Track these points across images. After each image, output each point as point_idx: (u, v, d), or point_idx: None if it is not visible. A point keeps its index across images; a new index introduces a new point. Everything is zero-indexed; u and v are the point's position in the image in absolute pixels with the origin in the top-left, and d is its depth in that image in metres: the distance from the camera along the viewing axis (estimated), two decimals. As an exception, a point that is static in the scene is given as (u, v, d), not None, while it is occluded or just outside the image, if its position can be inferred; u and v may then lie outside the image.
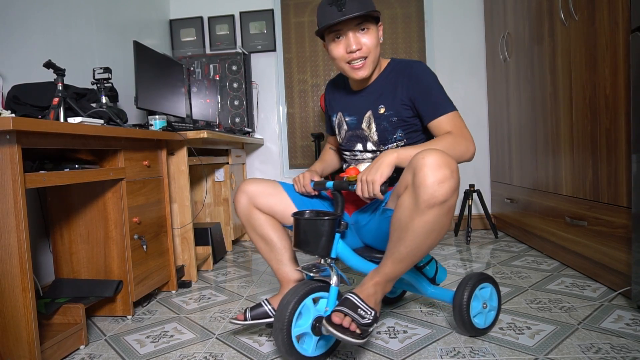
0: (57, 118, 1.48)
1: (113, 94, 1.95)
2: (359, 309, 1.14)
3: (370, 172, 1.17)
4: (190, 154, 2.13)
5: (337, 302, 1.21)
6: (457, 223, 3.02)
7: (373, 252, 1.39)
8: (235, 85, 3.02)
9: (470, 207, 2.83)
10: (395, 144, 1.38)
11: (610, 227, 1.69)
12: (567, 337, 1.34)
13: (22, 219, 1.14)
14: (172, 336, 1.49)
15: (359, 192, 1.19)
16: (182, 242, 2.10)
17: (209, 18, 3.31)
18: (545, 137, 2.26)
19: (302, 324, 1.19)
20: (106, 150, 1.60)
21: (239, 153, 3.06)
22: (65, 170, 1.37)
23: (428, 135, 1.38)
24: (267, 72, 3.31)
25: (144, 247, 1.72)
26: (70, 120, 1.41)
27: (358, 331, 1.10)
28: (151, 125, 1.99)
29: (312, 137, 2.88)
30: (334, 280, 1.21)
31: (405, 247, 1.12)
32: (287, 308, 1.15)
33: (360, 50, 1.30)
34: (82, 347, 1.42)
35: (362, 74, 1.33)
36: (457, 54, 3.17)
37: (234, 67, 3.02)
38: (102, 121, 1.52)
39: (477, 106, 3.19)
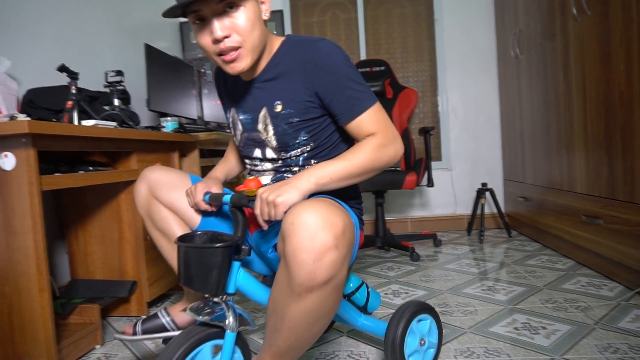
0: (71, 121, 1.50)
1: (125, 97, 1.97)
2: None
3: (275, 191, 0.87)
4: (202, 155, 2.14)
5: (233, 351, 0.93)
6: (470, 222, 3.00)
7: None
8: (245, 86, 3.03)
9: (483, 206, 2.80)
10: (298, 149, 1.07)
11: (627, 225, 1.66)
12: (583, 337, 1.32)
13: (38, 220, 1.16)
14: (185, 336, 1.50)
15: (256, 212, 0.90)
16: (195, 242, 2.11)
17: (219, 20, 3.33)
18: (559, 135, 2.23)
19: None
20: (119, 152, 1.62)
21: (249, 154, 3.07)
22: (80, 172, 1.39)
23: (342, 131, 1.08)
24: (277, 73, 3.31)
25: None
26: (84, 123, 1.43)
27: None
28: (163, 127, 2.00)
29: (323, 137, 2.88)
30: (230, 323, 0.90)
31: (284, 341, 0.88)
32: (176, 347, 0.87)
33: (228, 37, 0.95)
34: (97, 346, 1.44)
35: (237, 67, 0.99)
36: (468, 51, 3.15)
37: (244, 69, 3.03)
38: (115, 124, 1.54)
39: (489, 104, 3.16)
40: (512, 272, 2.04)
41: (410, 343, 1.13)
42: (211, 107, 3.05)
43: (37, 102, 1.57)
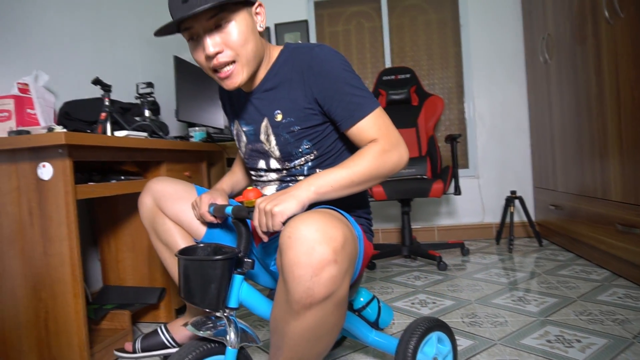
0: (105, 132, 1.55)
1: (155, 108, 2.02)
2: None
3: (273, 201, 0.85)
4: (229, 164, 2.18)
5: None
6: (498, 231, 2.93)
7: None
8: (271, 95, 3.07)
9: (512, 214, 2.74)
10: (302, 158, 1.05)
11: (666, 234, 1.59)
12: (621, 351, 1.27)
13: (73, 228, 1.20)
14: (213, 343, 1.52)
15: (255, 223, 0.88)
16: (222, 250, 2.14)
17: (245, 31, 3.39)
18: (592, 140, 2.16)
19: None
20: (149, 161, 1.66)
21: (275, 162, 3.10)
22: (112, 181, 1.44)
23: (347, 139, 1.04)
24: (302, 82, 3.34)
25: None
26: (117, 133, 1.47)
27: None
28: (191, 137, 2.05)
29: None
30: (231, 339, 0.87)
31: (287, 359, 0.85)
32: None
33: (221, 52, 0.94)
34: (128, 352, 1.47)
35: (232, 83, 0.98)
36: (495, 57, 3.10)
37: (270, 78, 3.07)
38: (145, 134, 1.59)
39: (517, 110, 3.10)
40: (544, 282, 1.98)
41: None
42: (237, 117, 3.09)
43: (72, 114, 1.63)
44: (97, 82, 1.58)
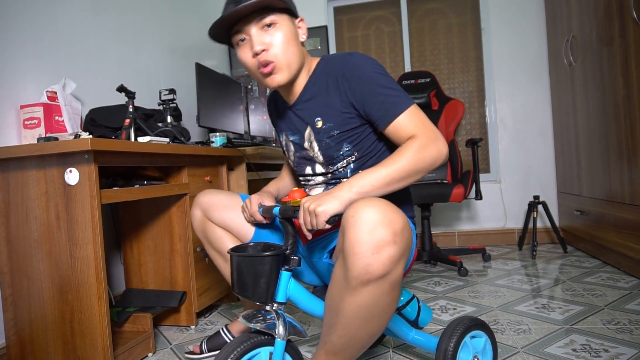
0: (129, 138, 1.58)
1: (177, 114, 2.06)
2: None
3: (316, 201, 0.91)
4: (249, 169, 2.20)
5: (284, 358, 0.95)
6: (521, 236, 2.87)
7: None
8: (290, 101, 3.09)
9: (535, 219, 2.68)
10: (344, 161, 1.11)
11: (699, 241, 1.53)
12: (651, 362, 1.22)
13: (98, 232, 1.23)
14: (233, 347, 1.53)
15: (300, 221, 0.94)
16: (242, 254, 2.16)
17: (265, 37, 3.42)
18: (619, 144, 2.10)
19: None
20: (171, 167, 1.69)
21: (294, 167, 3.11)
22: (135, 186, 1.46)
23: (387, 139, 1.09)
24: (322, 87, 3.36)
25: (206, 259, 1.79)
26: (140, 139, 1.50)
27: None
28: (212, 142, 2.07)
29: (367, 150, 2.88)
30: (280, 332, 0.93)
31: (338, 337, 0.88)
32: (228, 352, 0.91)
33: (266, 50, 1.03)
34: (150, 354, 1.49)
35: (275, 80, 1.06)
36: (517, 60, 3.05)
37: (289, 84, 3.09)
38: (168, 139, 1.61)
39: (541, 114, 3.04)
40: (569, 289, 1.93)
41: (463, 359, 1.09)
42: (257, 122, 3.12)
43: (98, 121, 1.68)
44: (121, 89, 1.62)
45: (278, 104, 1.26)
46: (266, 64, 1.03)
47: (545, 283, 2.06)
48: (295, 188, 1.13)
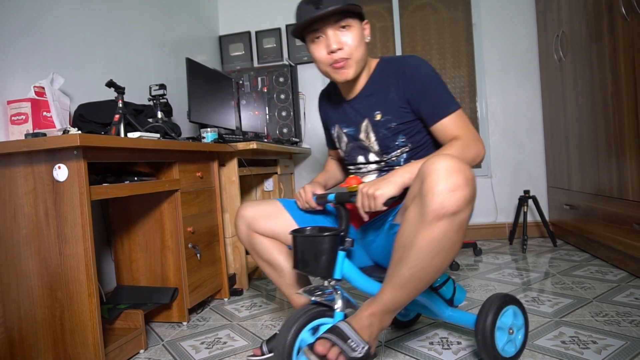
0: (118, 133, 1.57)
1: (168, 109, 2.04)
2: (350, 340, 0.98)
3: (374, 185, 1.04)
4: (241, 164, 2.19)
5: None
6: (511, 230, 2.90)
7: (382, 271, 1.21)
8: (282, 96, 3.09)
9: (525, 214, 2.70)
10: (398, 150, 1.26)
11: (685, 234, 1.56)
12: (639, 353, 1.24)
13: (88, 228, 1.22)
14: (225, 343, 1.53)
15: (358, 204, 1.08)
16: (234, 250, 2.16)
17: (257, 32, 3.41)
18: (607, 139, 2.12)
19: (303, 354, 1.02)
20: (162, 162, 1.68)
21: (287, 163, 3.11)
22: (126, 182, 1.45)
23: (433, 136, 1.24)
24: (314, 83, 3.35)
25: (198, 255, 1.78)
26: (130, 135, 1.49)
27: None
28: (203, 137, 2.06)
29: (359, 145, 2.89)
30: (338, 304, 1.06)
31: (408, 269, 0.97)
32: (284, 347, 1.00)
33: (341, 49, 1.17)
34: (141, 351, 1.49)
35: (345, 74, 1.20)
36: (508, 56, 3.07)
37: (281, 79, 3.08)
38: (158, 135, 1.60)
39: (531, 109, 3.07)
40: (558, 282, 1.96)
41: (500, 332, 1.20)
42: (249, 118, 3.11)
43: (87, 116, 1.66)
44: (110, 84, 1.60)
45: (332, 98, 1.40)
46: (340, 60, 1.18)
47: (536, 276, 2.09)
48: (352, 175, 1.22)
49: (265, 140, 2.74)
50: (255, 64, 3.42)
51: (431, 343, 1.41)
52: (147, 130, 1.70)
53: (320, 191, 1.33)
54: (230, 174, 2.14)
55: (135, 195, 1.70)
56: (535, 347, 1.33)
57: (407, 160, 1.25)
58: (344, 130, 1.36)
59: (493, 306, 1.19)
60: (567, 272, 2.12)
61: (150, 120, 1.91)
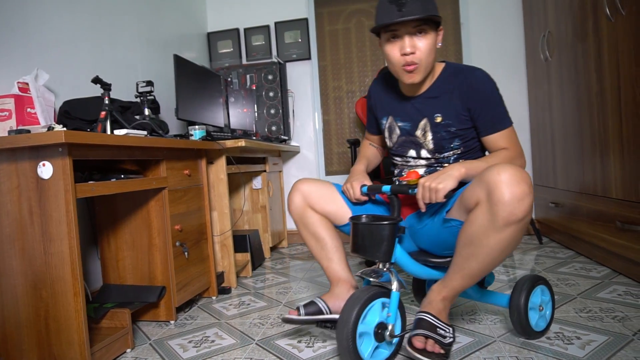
0: (104, 130, 1.55)
1: (155, 106, 2.02)
2: (438, 329, 1.15)
3: (435, 180, 1.16)
4: (229, 162, 2.18)
5: (398, 310, 1.21)
6: (498, 228, 2.93)
7: (427, 256, 1.38)
8: (271, 94, 3.08)
9: (512, 212, 2.73)
10: (451, 152, 1.36)
11: (667, 231, 1.59)
12: (621, 348, 1.27)
13: (73, 227, 1.20)
14: (213, 341, 1.52)
15: (419, 197, 1.20)
16: (222, 249, 2.15)
17: (245, 29, 3.39)
18: (592, 138, 2.16)
19: (366, 323, 1.17)
20: (149, 160, 1.67)
21: (275, 161, 3.10)
22: (112, 180, 1.44)
23: (482, 144, 1.38)
24: (303, 80, 3.35)
25: (186, 254, 1.77)
26: (117, 132, 1.47)
27: (442, 351, 1.11)
28: (191, 135, 2.05)
29: (348, 143, 2.88)
30: (395, 285, 1.19)
31: (478, 264, 1.12)
32: (358, 303, 1.14)
33: (414, 54, 1.25)
34: (128, 350, 1.47)
35: (413, 78, 1.29)
36: (495, 55, 3.09)
37: (270, 77, 3.07)
38: (145, 132, 1.59)
39: (518, 108, 3.10)
40: (544, 280, 1.98)
41: (532, 309, 1.35)
42: (237, 115, 3.10)
43: (72, 113, 1.64)
44: (96, 80, 1.58)
45: (389, 90, 1.47)
46: (411, 64, 1.25)
47: (522, 273, 2.11)
48: (411, 170, 1.39)
49: (254, 138, 2.73)
50: (244, 61, 3.40)
51: (299, 341, 1.44)
52: (134, 128, 1.68)
53: (367, 182, 1.43)
54: (219, 172, 2.13)
55: (122, 193, 1.68)
56: (520, 342, 1.35)
57: (455, 160, 1.36)
58: (399, 124, 1.44)
59: (525, 286, 1.33)
60: (553, 269, 2.15)
61: (137, 117, 1.89)
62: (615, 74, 1.90)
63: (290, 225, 3.38)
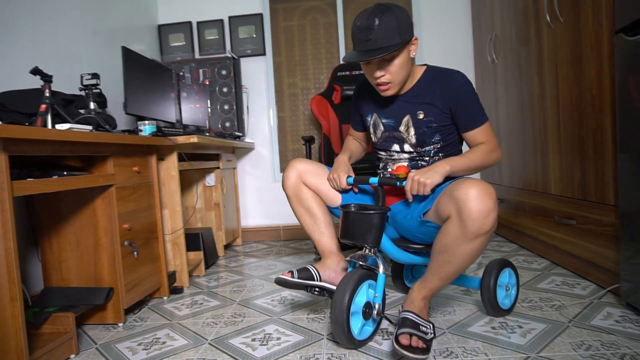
0: (45, 125, 1.46)
1: (101, 100, 1.93)
2: (421, 326, 1.24)
3: (424, 175, 1.28)
4: (181, 159, 2.12)
5: (383, 294, 1.35)
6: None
7: (407, 242, 1.52)
8: (225, 89, 3.02)
9: (461, 208, 2.84)
10: (432, 146, 1.47)
11: (599, 225, 1.71)
12: (558, 335, 1.35)
13: (9, 227, 1.13)
14: (164, 343, 1.48)
15: (407, 188, 1.32)
16: (174, 247, 2.09)
17: (198, 23, 3.31)
18: (534, 138, 2.28)
19: (356, 304, 1.28)
20: (95, 156, 1.59)
21: (229, 157, 3.06)
22: (54, 177, 1.36)
23: (460, 137, 1.50)
24: (257, 76, 3.31)
25: (135, 253, 1.71)
26: (58, 127, 1.40)
27: (425, 346, 1.20)
28: (140, 130, 1.98)
29: (303, 140, 2.88)
30: (381, 268, 1.32)
31: (452, 268, 1.26)
32: (352, 280, 1.26)
33: (384, 76, 1.37)
34: (72, 356, 1.40)
35: (387, 93, 1.42)
36: (446, 56, 3.19)
37: (224, 72, 3.02)
38: (90, 127, 1.51)
39: (466, 108, 3.21)
40: (490, 272, 2.07)
41: (500, 289, 1.52)
42: (190, 111, 3.02)
43: (8, 106, 1.53)
44: (36, 71, 1.49)
45: (374, 91, 1.51)
46: (382, 84, 1.40)
47: (470, 267, 2.20)
48: (401, 164, 1.49)
49: (207, 134, 2.67)
50: (197, 56, 3.32)
51: (253, 340, 1.47)
52: (77, 122, 1.60)
53: (352, 173, 1.54)
54: (170, 169, 2.06)
55: (65, 191, 1.60)
56: (468, 333, 1.40)
57: (436, 153, 1.48)
58: (383, 121, 1.54)
59: (494, 269, 1.51)
60: (498, 262, 2.25)
61: (81, 111, 1.80)
62: (554, 77, 2.01)
63: (245, 222, 3.34)
